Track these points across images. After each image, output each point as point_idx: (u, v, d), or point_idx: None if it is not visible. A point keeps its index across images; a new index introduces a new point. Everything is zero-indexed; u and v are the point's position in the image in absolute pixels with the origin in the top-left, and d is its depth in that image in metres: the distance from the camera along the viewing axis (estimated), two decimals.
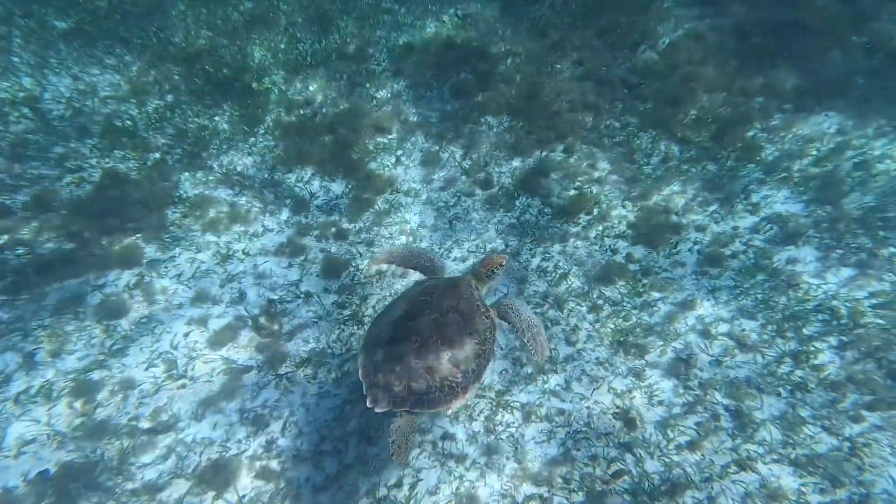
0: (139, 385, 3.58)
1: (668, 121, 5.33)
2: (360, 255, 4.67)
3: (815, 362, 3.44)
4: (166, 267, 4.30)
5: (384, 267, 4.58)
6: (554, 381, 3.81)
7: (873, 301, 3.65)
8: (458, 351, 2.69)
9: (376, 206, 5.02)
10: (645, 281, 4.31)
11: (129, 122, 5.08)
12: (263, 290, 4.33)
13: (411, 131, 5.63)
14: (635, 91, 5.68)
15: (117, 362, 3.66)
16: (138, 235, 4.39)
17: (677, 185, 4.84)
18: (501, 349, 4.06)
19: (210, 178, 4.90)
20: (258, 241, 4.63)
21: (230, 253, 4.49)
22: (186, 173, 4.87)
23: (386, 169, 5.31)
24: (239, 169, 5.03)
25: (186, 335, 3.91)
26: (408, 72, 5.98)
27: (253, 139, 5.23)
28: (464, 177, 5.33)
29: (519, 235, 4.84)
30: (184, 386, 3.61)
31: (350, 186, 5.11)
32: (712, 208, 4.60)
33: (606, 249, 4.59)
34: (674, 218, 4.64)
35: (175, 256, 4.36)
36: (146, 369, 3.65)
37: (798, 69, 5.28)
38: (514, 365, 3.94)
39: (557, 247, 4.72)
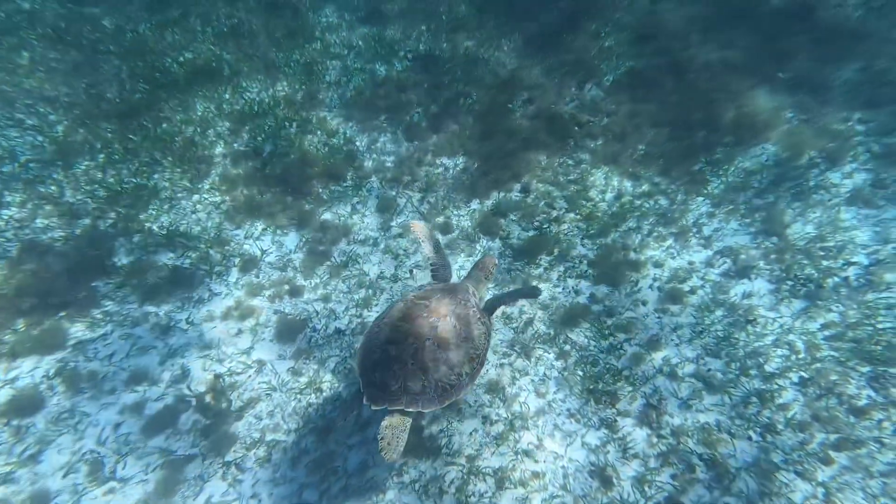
0: (54, 499, 3.07)
1: (618, 157, 5.39)
2: (317, 313, 4.35)
3: (780, 401, 3.39)
4: (96, 348, 3.82)
5: (342, 327, 4.28)
6: (526, 439, 3.59)
7: (826, 333, 3.67)
8: (453, 354, 2.75)
9: (333, 259, 4.74)
10: (609, 322, 4.21)
11: (53, 188, 4.62)
12: (210, 363, 3.91)
13: (366, 177, 5.43)
14: (585, 128, 5.75)
15: (28, 472, 3.13)
16: (62, 314, 3.90)
17: (632, 221, 4.84)
18: (470, 406, 3.82)
19: (149, 241, 4.48)
20: (204, 308, 4.23)
21: (172, 324, 4.06)
22: (122, 238, 4.43)
23: (341, 218, 5.05)
24: (182, 229, 4.64)
25: (117, 426, 3.44)
26: (359, 116, 5.82)
27: (197, 196, 4.87)
28: (422, 222, 5.15)
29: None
30: (112, 490, 3.12)
31: (304, 239, 4.81)
32: (668, 243, 4.60)
33: (570, 291, 4.48)
34: (632, 255, 4.61)
35: (107, 335, 3.89)
36: (65, 476, 3.15)
37: (732, 103, 5.48)
38: (484, 423, 3.70)
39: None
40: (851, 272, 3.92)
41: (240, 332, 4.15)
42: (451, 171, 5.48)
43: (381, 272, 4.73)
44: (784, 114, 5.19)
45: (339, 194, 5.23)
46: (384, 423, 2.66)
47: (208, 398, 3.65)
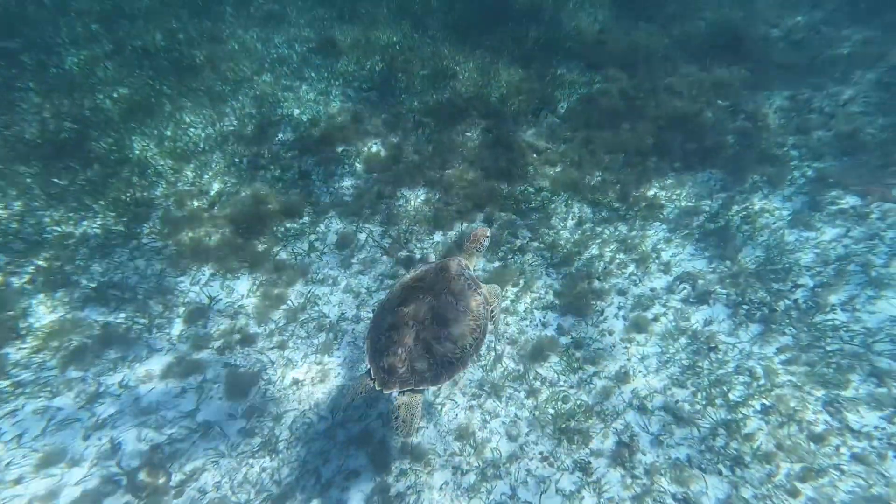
0: None
1: (577, 184, 5.42)
2: (273, 362, 4.00)
3: (746, 430, 3.39)
4: (0, 427, 3.28)
5: (301, 376, 3.95)
6: (499, 489, 3.38)
7: (782, 357, 3.74)
8: (454, 329, 2.82)
9: (289, 302, 4.41)
10: (578, 354, 4.12)
11: None
12: (146, 433, 3.47)
13: (324, 212, 5.15)
14: (543, 155, 5.76)
15: None
16: None
17: (595, 248, 4.83)
18: (440, 456, 3.58)
19: (75, 296, 3.99)
20: (140, 367, 3.78)
21: (101, 390, 3.59)
22: (41, 295, 3.91)
23: (298, 258, 4.74)
24: (116, 280, 4.18)
25: None
26: (315, 149, 5.57)
27: (135, 242, 4.42)
28: (384, 257, 4.93)
29: None
30: None
31: (258, 282, 4.46)
32: (629, 270, 4.61)
33: (537, 324, 4.37)
34: (596, 283, 4.58)
35: (17, 410, 3.36)
36: None
37: (679, 130, 5.68)
38: (455, 474, 3.47)
39: (489, 326, 4.41)
40: (799, 294, 4.05)
41: (183, 391, 3.73)
42: (412, 203, 5.32)
43: (343, 313, 4.44)
44: (727, 139, 5.42)
45: (295, 232, 4.93)
46: (397, 403, 2.76)
47: (143, 474, 3.21)
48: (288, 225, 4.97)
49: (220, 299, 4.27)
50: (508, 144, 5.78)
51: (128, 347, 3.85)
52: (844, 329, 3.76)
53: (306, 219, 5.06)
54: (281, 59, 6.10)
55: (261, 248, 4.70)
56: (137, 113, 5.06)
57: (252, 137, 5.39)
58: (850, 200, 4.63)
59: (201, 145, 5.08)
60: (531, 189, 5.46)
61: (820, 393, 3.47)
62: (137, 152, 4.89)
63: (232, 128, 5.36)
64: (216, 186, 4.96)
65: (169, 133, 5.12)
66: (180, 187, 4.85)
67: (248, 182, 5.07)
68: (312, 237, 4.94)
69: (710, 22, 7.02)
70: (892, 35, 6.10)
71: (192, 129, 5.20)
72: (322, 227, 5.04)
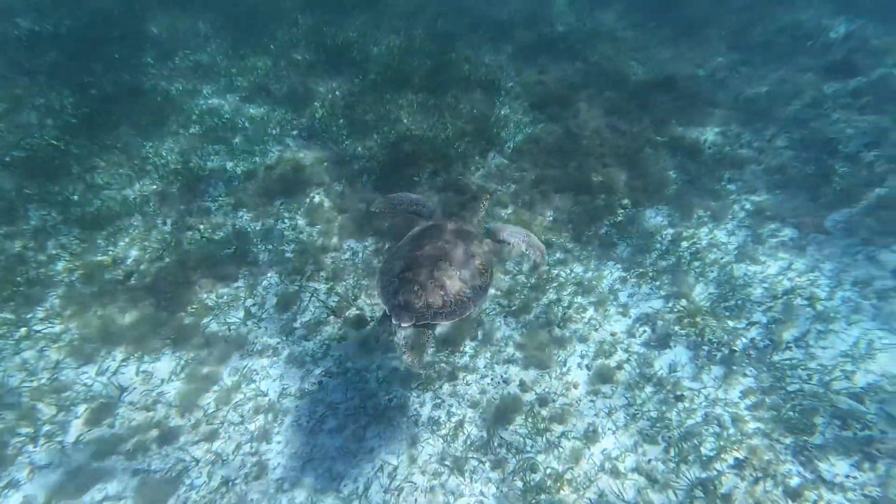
0: None
1: (530, 225, 5.26)
2: (197, 461, 3.38)
3: (723, 490, 3.16)
4: None
5: (233, 473, 3.35)
6: None
7: (747, 402, 3.60)
8: (465, 270, 2.93)
9: (221, 382, 3.82)
10: (544, 413, 3.80)
11: None
12: None
13: (262, 273, 4.65)
14: (494, 197, 5.60)
15: None
16: None
17: (552, 292, 4.63)
18: None
19: None
20: (15, 495, 3.03)
21: None
22: None
23: (232, 327, 4.19)
24: None
25: None
26: (251, 203, 5.10)
27: (23, 330, 3.70)
28: (331, 318, 4.47)
29: (402, 381, 4.05)
30: None
31: (182, 362, 3.86)
32: (588, 314, 4.42)
33: (498, 381, 4.03)
34: (556, 331, 4.33)
35: None
36: None
37: (625, 166, 5.72)
38: None
39: (447, 387, 4.02)
40: (755, 332, 3.99)
41: None
42: (360, 256, 4.93)
43: (285, 388, 3.91)
44: (669, 174, 5.50)
45: (229, 298, 4.39)
46: (406, 336, 2.84)
47: None
48: (221, 291, 4.43)
49: (134, 388, 3.63)
50: (458, 188, 5.59)
51: (2, 466, 3.11)
52: (801, 367, 3.69)
53: (241, 282, 4.54)
54: (211, 109, 5.66)
55: (188, 320, 4.11)
56: (36, 177, 4.41)
57: (178, 196, 4.85)
58: (788, 232, 4.73)
59: (117, 209, 4.48)
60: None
61: (788, 440, 3.32)
62: (34, 222, 4.22)
63: (154, 187, 4.81)
64: (134, 254, 4.35)
65: (77, 198, 4.48)
66: (89, 258, 4.20)
67: (174, 246, 4.50)
68: (249, 302, 4.41)
69: (641, 61, 7.34)
70: (804, 75, 6.59)
71: (105, 192, 4.59)
72: (260, 289, 4.53)
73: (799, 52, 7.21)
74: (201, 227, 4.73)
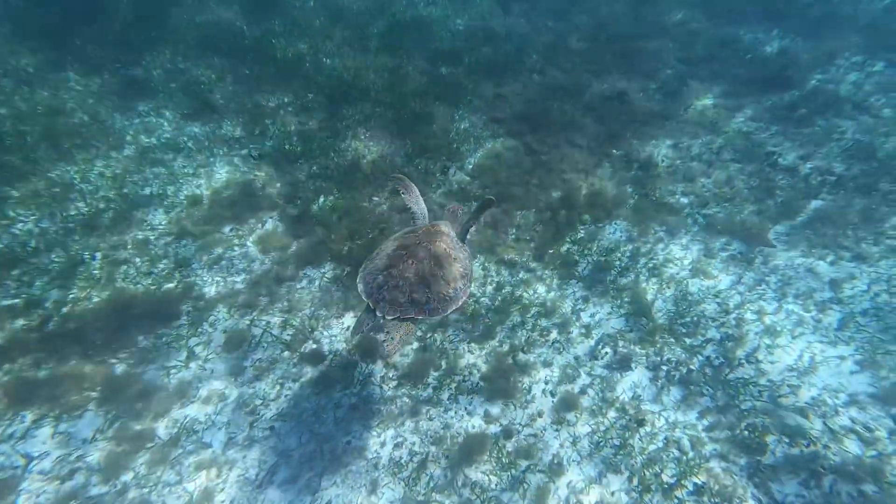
0: None
1: (493, 245, 5.14)
2: None
3: None
4: None
5: None
6: None
7: (705, 422, 3.64)
8: (447, 270, 3.00)
9: (157, 438, 3.44)
10: (509, 447, 3.68)
11: None
12: None
13: (209, 308, 4.27)
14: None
15: None
16: None
17: (516, 314, 4.52)
18: None
19: None
20: None
21: None
22: None
23: (172, 373, 3.80)
24: None
25: None
26: (196, 231, 4.68)
27: None
28: (286, 353, 4.16)
29: (362, 418, 3.82)
30: None
31: (109, 418, 3.44)
32: (552, 337, 4.34)
33: (462, 413, 3.88)
34: (521, 356, 4.23)
35: None
36: None
37: (583, 182, 5.70)
38: None
39: (409, 423, 3.82)
40: (710, 350, 4.05)
41: None
42: (317, 283, 4.63)
43: (231, 437, 3.58)
44: (626, 188, 5.54)
45: (170, 339, 3.99)
46: (389, 326, 2.81)
47: None
48: (160, 331, 4.02)
49: (46, 455, 3.18)
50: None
51: None
52: (753, 384, 3.78)
53: (184, 320, 4.15)
54: (147, 129, 5.16)
55: (120, 369, 3.69)
56: None
57: (110, 226, 4.37)
58: (736, 246, 4.87)
59: (31, 244, 3.97)
60: None
61: (743, 461, 3.38)
62: None
63: (81, 217, 4.30)
64: (54, 295, 3.86)
65: None
66: (2, 302, 3.69)
67: (104, 283, 4.04)
68: (193, 342, 4.03)
69: (594, 73, 7.38)
70: (744, 88, 6.85)
71: (18, 225, 4.05)
72: (206, 327, 4.16)
73: (739, 66, 7.51)
74: (137, 259, 4.29)
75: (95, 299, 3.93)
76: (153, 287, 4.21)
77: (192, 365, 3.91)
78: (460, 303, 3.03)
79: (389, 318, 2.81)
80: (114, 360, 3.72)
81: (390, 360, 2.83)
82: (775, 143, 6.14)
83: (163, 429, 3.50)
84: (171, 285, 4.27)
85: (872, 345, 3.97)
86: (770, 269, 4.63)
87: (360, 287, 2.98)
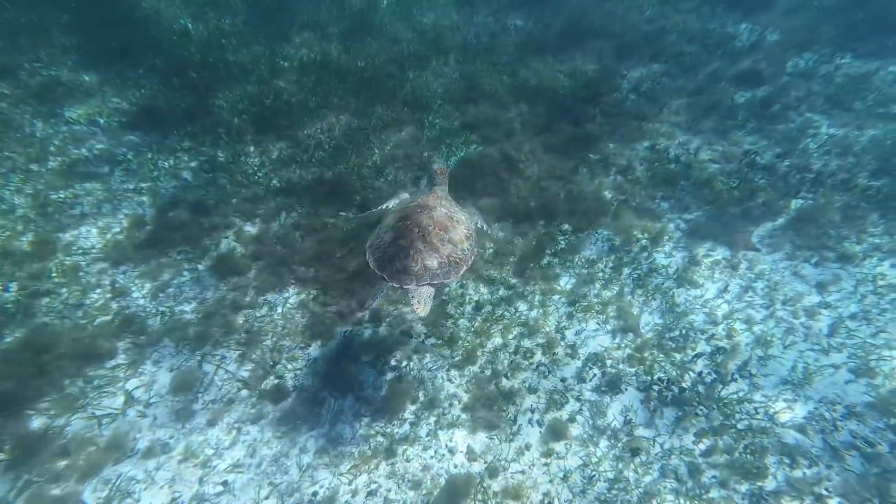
0: None
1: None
2: None
3: None
4: None
5: None
6: None
7: (702, 446, 3.36)
8: (453, 234, 3.14)
9: None
10: (495, 487, 3.30)
11: None
12: None
13: (153, 343, 3.72)
14: None
15: None
16: None
17: (497, 336, 4.15)
18: None
19: None
20: None
21: None
22: None
23: (104, 422, 3.25)
24: None
25: None
26: (138, 255, 4.11)
27: None
28: (244, 391, 3.66)
29: (331, 464, 3.36)
30: None
31: (21, 484, 2.87)
32: (537, 358, 3.99)
33: (444, 452, 3.47)
34: (504, 382, 3.86)
35: None
36: None
37: (561, 189, 5.39)
38: None
39: (384, 467, 3.38)
40: (701, 365, 3.79)
41: None
42: (279, 310, 4.14)
43: (176, 498, 3.06)
44: (605, 195, 5.26)
45: (102, 382, 3.43)
46: (413, 292, 2.94)
47: None
48: (90, 374, 3.45)
49: None
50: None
51: None
52: (748, 401, 3.53)
53: (122, 358, 3.59)
54: (77, 138, 4.52)
55: (36, 423, 3.12)
56: None
57: (28, 253, 3.75)
58: (720, 252, 4.65)
59: None
60: None
61: (744, 488, 3.11)
62: None
63: None
64: None
65: None
66: None
67: (20, 319, 3.44)
68: (132, 384, 3.48)
69: (567, 74, 7.09)
70: (717, 85, 6.70)
71: None
72: (149, 366, 3.61)
73: (711, 61, 7.36)
74: (63, 290, 3.69)
75: (7, 339, 3.33)
76: (83, 321, 3.62)
77: (130, 412, 3.36)
78: (470, 263, 3.15)
79: (406, 287, 2.89)
80: (30, 412, 3.14)
81: (422, 315, 2.93)
82: (751, 142, 6.00)
83: (90, 492, 2.95)
84: (106, 319, 3.69)
85: (865, 350, 3.80)
86: (756, 274, 4.42)
87: (371, 263, 3.04)
